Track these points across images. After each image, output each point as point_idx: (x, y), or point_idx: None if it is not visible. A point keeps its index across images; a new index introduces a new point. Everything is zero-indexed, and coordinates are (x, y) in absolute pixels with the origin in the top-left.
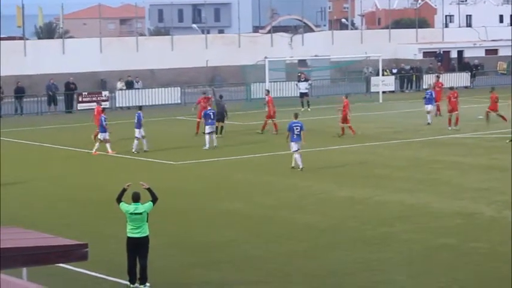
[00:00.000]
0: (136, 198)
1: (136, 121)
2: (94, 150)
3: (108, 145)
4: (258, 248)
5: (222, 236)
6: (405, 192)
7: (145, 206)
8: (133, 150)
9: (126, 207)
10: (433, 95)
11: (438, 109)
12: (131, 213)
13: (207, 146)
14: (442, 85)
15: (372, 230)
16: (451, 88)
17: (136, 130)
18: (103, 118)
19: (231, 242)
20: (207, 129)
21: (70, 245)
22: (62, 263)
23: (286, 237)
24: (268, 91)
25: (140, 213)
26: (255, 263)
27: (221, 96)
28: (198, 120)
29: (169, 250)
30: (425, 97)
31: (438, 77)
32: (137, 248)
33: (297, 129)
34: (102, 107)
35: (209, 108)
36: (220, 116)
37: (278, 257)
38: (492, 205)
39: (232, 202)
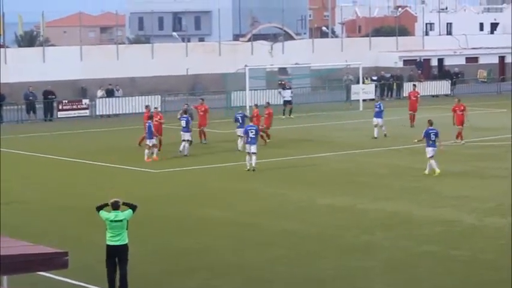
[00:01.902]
0: (116, 206)
1: (240, 122)
2: (154, 155)
3: (147, 151)
4: (238, 255)
5: (202, 243)
6: (386, 200)
7: (125, 214)
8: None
9: (106, 214)
10: (382, 108)
11: (413, 119)
12: (111, 221)
13: (239, 147)
14: (418, 94)
15: (354, 237)
16: (459, 100)
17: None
18: (151, 124)
19: (211, 249)
20: (238, 132)
21: (50, 253)
22: (43, 271)
23: (267, 245)
24: (202, 99)
25: (120, 221)
26: (235, 270)
27: (188, 105)
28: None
29: (149, 257)
30: (375, 110)
31: (415, 85)
32: (117, 255)
33: (251, 132)
34: (151, 112)
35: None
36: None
37: (258, 264)
38: (473, 213)
39: (212, 209)
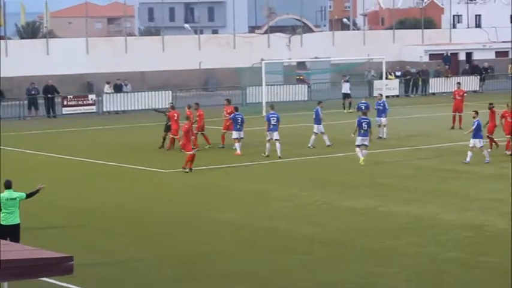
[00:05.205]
0: (8, 185)
1: (314, 117)
2: (238, 150)
3: (238, 144)
4: (253, 260)
5: (215, 248)
6: (411, 203)
7: (18, 193)
8: (309, 145)
9: (1, 195)
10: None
11: (460, 120)
12: (6, 199)
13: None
14: (464, 93)
15: (376, 242)
16: (491, 104)
17: (315, 126)
18: (242, 117)
19: (224, 255)
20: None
21: (54, 258)
22: (46, 276)
23: (284, 250)
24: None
25: (14, 199)
26: (248, 276)
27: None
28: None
29: (160, 262)
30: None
31: (459, 83)
32: (9, 235)
33: (273, 119)
34: (234, 106)
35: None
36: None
37: (274, 270)
38: (503, 217)
39: (226, 212)
